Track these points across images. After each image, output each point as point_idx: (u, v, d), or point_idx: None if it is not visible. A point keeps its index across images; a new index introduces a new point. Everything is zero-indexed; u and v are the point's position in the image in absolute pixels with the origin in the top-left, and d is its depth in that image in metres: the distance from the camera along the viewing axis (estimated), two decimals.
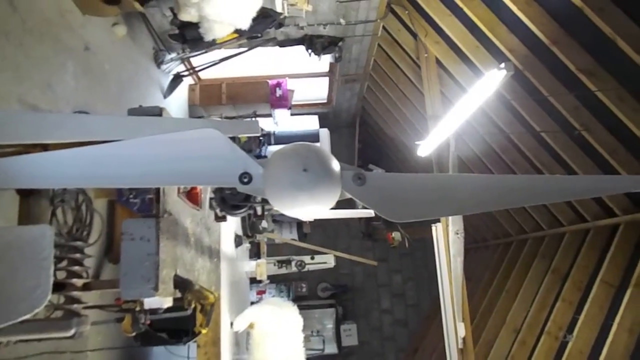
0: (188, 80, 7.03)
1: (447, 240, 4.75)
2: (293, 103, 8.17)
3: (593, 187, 2.10)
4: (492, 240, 7.80)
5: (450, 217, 4.69)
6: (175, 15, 4.17)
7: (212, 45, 4.68)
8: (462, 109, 3.57)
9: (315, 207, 1.95)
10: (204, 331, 2.58)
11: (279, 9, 4.50)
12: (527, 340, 5.30)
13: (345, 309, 9.21)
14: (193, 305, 2.54)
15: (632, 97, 3.58)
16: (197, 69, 6.39)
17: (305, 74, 7.82)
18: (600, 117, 4.01)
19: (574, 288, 4.88)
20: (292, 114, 8.06)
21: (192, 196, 3.19)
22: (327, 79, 7.88)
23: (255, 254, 6.43)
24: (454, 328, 4.76)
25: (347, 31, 6.00)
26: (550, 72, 4.15)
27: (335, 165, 1.95)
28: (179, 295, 2.47)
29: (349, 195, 2.06)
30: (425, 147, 4.80)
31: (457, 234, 4.67)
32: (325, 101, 8.61)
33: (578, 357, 4.24)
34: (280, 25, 4.87)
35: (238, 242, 4.40)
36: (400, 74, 6.55)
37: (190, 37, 4.37)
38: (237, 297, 4.36)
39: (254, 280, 6.57)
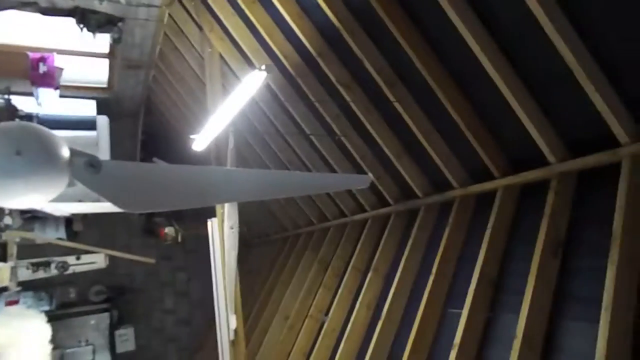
0: None
1: (223, 235, 4.82)
2: (65, 84, 7.19)
3: (327, 183, 2.39)
4: (273, 235, 8.27)
5: (225, 212, 4.77)
6: None
7: None
8: (232, 104, 3.66)
9: (33, 196, 1.73)
10: None
11: None
12: (295, 325, 5.77)
13: (122, 313, 8.51)
14: None
15: (375, 110, 4.24)
16: None
17: (80, 52, 6.94)
18: (354, 126, 4.63)
19: (333, 275, 5.52)
20: (63, 96, 7.08)
21: None
22: (107, 61, 7.15)
23: (0, 256, 5.41)
24: (227, 321, 4.86)
25: (129, 12, 5.55)
26: (317, 81, 4.60)
27: (62, 149, 1.75)
28: None
29: (79, 184, 1.88)
30: (201, 142, 4.77)
31: (232, 228, 4.78)
32: (105, 86, 7.80)
33: (331, 335, 4.82)
34: None
35: None
36: (186, 65, 6.39)
37: None
38: None
39: (1, 289, 5.52)
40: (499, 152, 3.50)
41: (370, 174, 2.25)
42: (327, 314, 5.17)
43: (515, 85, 2.89)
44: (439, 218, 4.25)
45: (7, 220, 3.94)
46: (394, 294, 4.02)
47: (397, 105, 3.79)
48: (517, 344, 2.56)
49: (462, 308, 3.15)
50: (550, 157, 3.02)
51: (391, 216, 4.84)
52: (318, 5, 3.80)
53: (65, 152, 1.77)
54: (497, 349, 2.90)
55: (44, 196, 1.76)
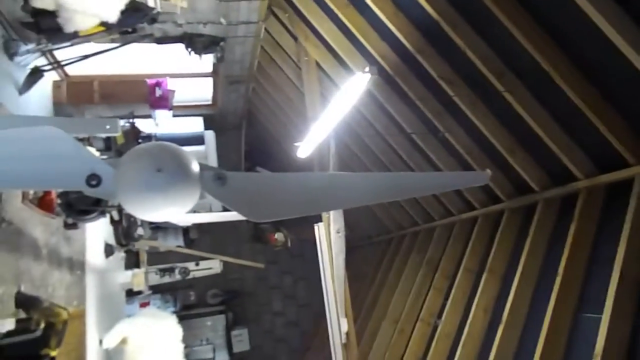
0: (53, 76, 6.34)
1: (330, 239, 4.88)
2: (176, 104, 7.81)
3: (443, 183, 2.30)
4: (375, 237, 8.22)
5: (331, 216, 4.83)
6: (26, 0, 3.71)
7: (75, 37, 4.26)
8: (335, 110, 3.69)
9: (172, 209, 1.86)
10: (53, 353, 2.31)
11: (150, 4, 4.25)
12: (405, 329, 5.66)
13: (236, 315, 9.04)
14: (43, 325, 2.26)
15: (482, 103, 4.01)
16: (62, 63, 5.78)
17: (188, 74, 7.53)
18: (459, 121, 4.42)
19: (443, 277, 5.31)
20: (175, 115, 7.71)
21: (45, 203, 2.86)
22: (211, 79, 7.67)
23: (133, 263, 6.03)
24: (338, 324, 4.90)
25: (229, 31, 5.89)
26: (417, 78, 4.48)
27: (194, 165, 1.88)
28: (23, 315, 2.19)
29: (209, 197, 1.99)
30: (304, 148, 4.89)
31: (338, 232, 4.83)
32: (210, 102, 8.37)
33: (445, 340, 4.63)
34: (154, 20, 4.60)
35: (109, 251, 4.07)
36: (283, 76, 6.61)
37: (46, 26, 3.92)
38: (109, 311, 4.02)
39: (136, 292, 6.15)
40: (633, 137, 3.10)
41: (488, 170, 2.11)
42: (439, 317, 4.98)
43: None
44: (561, 213, 3.89)
45: (140, 231, 4.39)
46: (514, 296, 3.75)
47: (507, 95, 3.55)
48: None
49: (600, 313, 2.83)
50: None
51: (504, 213, 4.54)
52: (415, 1, 3.69)
53: (196, 167, 1.89)
54: None
55: (180, 209, 1.90)
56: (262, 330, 9.30)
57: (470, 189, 4.96)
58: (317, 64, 5.51)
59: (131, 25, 4.38)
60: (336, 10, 4.60)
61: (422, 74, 4.32)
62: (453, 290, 4.84)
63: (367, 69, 3.06)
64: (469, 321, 4.21)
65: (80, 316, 3.11)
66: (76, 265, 3.24)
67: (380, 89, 4.94)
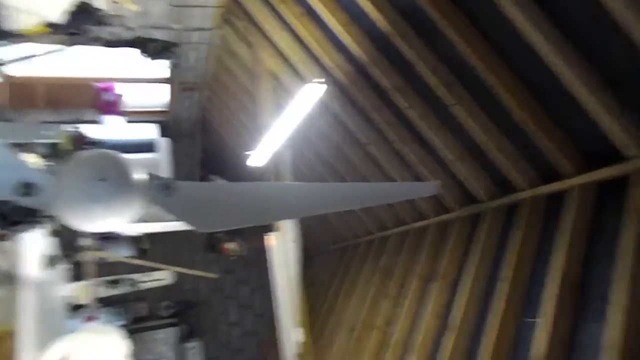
0: None
1: (282, 249, 4.85)
2: (131, 110, 7.59)
3: (393, 193, 2.33)
4: (331, 245, 8.24)
5: (286, 226, 4.81)
6: None
7: (15, 36, 4.05)
8: (289, 119, 3.69)
9: (114, 220, 1.79)
10: None
11: (99, 5, 4.11)
12: (361, 337, 5.68)
13: (190, 327, 8.78)
14: None
15: (433, 115, 4.12)
16: (2, 62, 5.47)
17: (142, 79, 7.32)
18: (411, 131, 4.52)
19: (397, 285, 5.38)
20: (129, 122, 7.48)
21: None
22: (167, 85, 7.48)
23: (80, 275, 5.73)
24: (291, 334, 4.87)
25: (182, 37, 5.78)
26: (370, 89, 4.55)
27: (139, 173, 1.82)
28: None
29: (155, 207, 1.93)
30: (257, 157, 4.85)
31: (294, 241, 4.81)
32: (165, 109, 8.16)
33: (399, 347, 4.69)
34: (102, 23, 4.46)
35: (50, 263, 3.85)
36: (238, 84, 6.56)
37: None
38: (49, 328, 3.79)
39: (83, 306, 5.85)
40: (571, 149, 3.28)
41: (438, 181, 2.17)
42: (392, 325, 5.04)
43: (588, 79, 2.70)
44: (507, 222, 4.04)
45: (85, 240, 4.19)
46: (464, 303, 3.85)
47: (455, 107, 3.67)
48: (609, 356, 2.36)
49: (540, 316, 2.96)
50: (628, 152, 2.80)
51: (454, 222, 4.67)
52: (366, 12, 3.77)
53: (142, 176, 1.83)
54: None
55: (124, 219, 1.83)
56: (218, 341, 9.08)
57: (422, 199, 5.07)
58: (272, 73, 5.50)
59: (77, 26, 4.22)
60: (291, 20, 4.62)
61: (374, 84, 4.40)
62: (406, 298, 4.91)
63: (320, 79, 3.08)
64: (421, 328, 4.29)
65: (10, 335, 2.92)
66: (8, 280, 3.04)
67: (334, 99, 4.98)
